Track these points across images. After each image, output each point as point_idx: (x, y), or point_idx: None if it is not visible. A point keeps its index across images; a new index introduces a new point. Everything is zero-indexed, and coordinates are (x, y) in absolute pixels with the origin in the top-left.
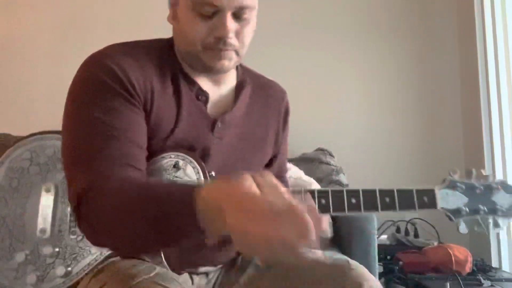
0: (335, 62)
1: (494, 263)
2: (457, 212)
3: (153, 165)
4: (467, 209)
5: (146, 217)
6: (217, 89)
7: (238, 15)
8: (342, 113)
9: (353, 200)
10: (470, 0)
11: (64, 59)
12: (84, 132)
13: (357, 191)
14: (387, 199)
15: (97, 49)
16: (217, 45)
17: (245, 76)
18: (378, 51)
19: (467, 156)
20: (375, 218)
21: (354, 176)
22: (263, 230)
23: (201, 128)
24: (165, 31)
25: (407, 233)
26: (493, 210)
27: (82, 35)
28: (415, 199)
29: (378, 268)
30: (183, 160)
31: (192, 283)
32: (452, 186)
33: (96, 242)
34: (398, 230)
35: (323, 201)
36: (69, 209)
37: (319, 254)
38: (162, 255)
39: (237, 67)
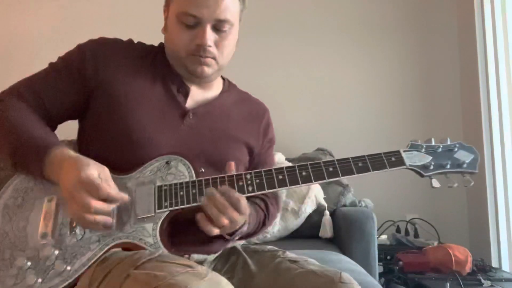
0: (335, 62)
1: (494, 263)
2: (424, 168)
3: (147, 168)
4: (433, 164)
5: (9, 139)
6: (203, 92)
7: (218, 28)
8: (342, 113)
9: (331, 169)
10: (470, 0)
11: None
12: (37, 73)
13: (332, 161)
14: (360, 164)
15: None
16: (197, 52)
17: (231, 88)
18: (378, 51)
19: None
20: (375, 218)
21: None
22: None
23: (170, 115)
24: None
25: (407, 233)
26: (458, 165)
27: (82, 35)
28: (385, 160)
29: (378, 268)
30: (174, 159)
31: None
32: (415, 147)
33: None
34: (398, 230)
35: (304, 173)
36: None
37: (313, 264)
38: (161, 243)
39: (224, 81)
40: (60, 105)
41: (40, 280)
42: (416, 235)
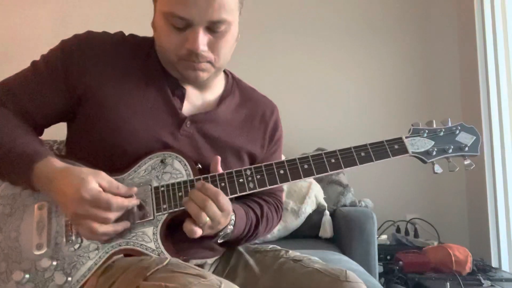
0: (335, 62)
1: (494, 263)
2: (427, 154)
3: (141, 167)
4: (436, 150)
5: None
6: (201, 93)
7: (212, 28)
8: (342, 113)
9: (333, 160)
10: (470, 0)
11: None
12: (17, 75)
13: (334, 152)
14: (363, 153)
15: None
16: (189, 57)
17: (234, 86)
18: (379, 51)
19: None
20: (375, 218)
21: (354, 175)
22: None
23: (166, 123)
24: None
25: (407, 233)
26: (459, 148)
27: None
28: (387, 148)
29: (378, 268)
30: (169, 156)
31: None
32: (417, 132)
33: None
34: (398, 230)
35: (305, 166)
36: (64, 219)
37: (317, 262)
38: (163, 248)
39: (228, 76)
40: (45, 110)
41: None
42: (416, 235)
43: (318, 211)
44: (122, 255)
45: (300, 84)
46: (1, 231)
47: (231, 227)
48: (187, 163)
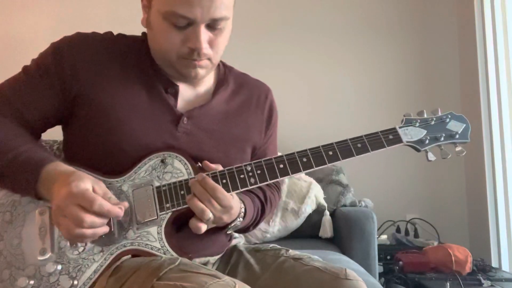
0: (334, 62)
1: (494, 263)
2: (420, 143)
3: (142, 168)
4: (428, 138)
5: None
6: (193, 88)
7: (212, 26)
8: (342, 113)
9: (330, 152)
10: (470, 0)
11: None
12: (9, 81)
13: (331, 144)
14: (359, 145)
15: None
16: (191, 55)
17: (227, 75)
18: (379, 51)
19: (467, 156)
20: (375, 218)
21: (354, 176)
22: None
23: (163, 122)
24: None
25: (407, 233)
26: (451, 136)
27: None
28: (382, 138)
29: (378, 268)
30: (169, 156)
31: None
32: (409, 122)
33: None
34: (398, 230)
35: (304, 159)
36: None
37: (317, 260)
38: (169, 247)
39: (218, 66)
40: (40, 115)
41: None
42: (416, 235)
43: (318, 211)
44: (129, 256)
45: (300, 82)
46: (2, 239)
47: (241, 219)
48: (187, 162)
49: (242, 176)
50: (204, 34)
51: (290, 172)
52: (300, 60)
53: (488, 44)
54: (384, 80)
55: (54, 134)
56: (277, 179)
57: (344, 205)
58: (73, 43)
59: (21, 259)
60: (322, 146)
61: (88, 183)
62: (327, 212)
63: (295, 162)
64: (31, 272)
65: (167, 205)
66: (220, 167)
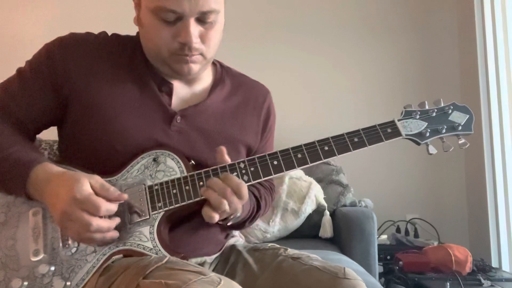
0: (334, 62)
1: (494, 263)
2: (420, 136)
3: (134, 167)
4: (429, 130)
5: None
6: (189, 86)
7: (202, 19)
8: (341, 113)
9: (326, 148)
10: (470, 0)
11: None
12: (3, 83)
13: (327, 139)
14: (356, 139)
15: None
16: (182, 50)
17: (224, 75)
18: (379, 51)
19: (467, 156)
20: (375, 218)
21: (354, 176)
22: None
23: (156, 120)
24: None
25: (407, 233)
26: (453, 128)
27: None
28: (380, 132)
29: (378, 268)
30: (161, 154)
31: None
32: (409, 114)
33: None
34: (398, 230)
35: (299, 155)
36: None
37: (316, 259)
38: (161, 247)
39: (216, 65)
40: (35, 116)
41: None
42: (416, 235)
43: (318, 211)
44: (121, 255)
45: (299, 84)
46: None
47: (239, 211)
48: (180, 160)
49: (235, 173)
50: (194, 28)
51: (284, 168)
52: (297, 59)
53: (488, 40)
54: (384, 79)
55: (54, 134)
56: (271, 176)
57: (344, 205)
58: (65, 44)
59: (15, 260)
60: (318, 141)
61: (86, 184)
62: (327, 212)
63: (289, 159)
64: (25, 273)
65: (159, 204)
66: (229, 160)
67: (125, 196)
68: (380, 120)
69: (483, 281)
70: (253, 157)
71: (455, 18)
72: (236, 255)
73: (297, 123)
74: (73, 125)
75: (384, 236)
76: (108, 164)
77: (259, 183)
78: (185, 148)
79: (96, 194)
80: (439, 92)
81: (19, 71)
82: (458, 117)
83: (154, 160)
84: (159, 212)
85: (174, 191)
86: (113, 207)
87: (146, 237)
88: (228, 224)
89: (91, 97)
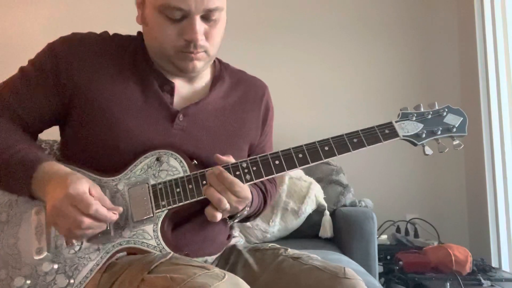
0: (333, 62)
1: (494, 263)
2: (417, 137)
3: (137, 166)
4: (425, 132)
5: None
6: (189, 84)
7: (207, 17)
8: (341, 114)
9: (326, 148)
10: (470, 0)
11: None
12: (6, 82)
13: (327, 140)
14: (355, 140)
15: None
16: (187, 48)
17: (223, 72)
18: (378, 51)
19: (467, 156)
20: (375, 218)
21: (354, 176)
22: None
23: (158, 119)
24: None
25: (407, 233)
26: (448, 129)
27: None
28: (378, 133)
29: (378, 268)
30: (164, 154)
31: None
32: (406, 116)
33: None
34: (398, 230)
35: (300, 155)
36: None
37: (316, 259)
38: (165, 245)
39: (214, 63)
40: (37, 115)
41: None
42: (416, 235)
43: (318, 211)
44: (125, 253)
45: (299, 84)
46: None
47: (248, 208)
48: (182, 160)
49: (237, 173)
50: (200, 26)
51: (286, 168)
52: (296, 59)
53: (488, 40)
54: (384, 79)
55: (54, 134)
56: (273, 176)
57: (344, 205)
58: (68, 43)
59: (17, 259)
60: (318, 141)
61: (85, 185)
62: (327, 212)
63: (290, 158)
64: (28, 272)
65: (163, 203)
66: (232, 159)
67: (120, 209)
68: (379, 121)
69: (483, 281)
70: (255, 156)
71: (455, 18)
72: (236, 255)
73: (295, 123)
74: (76, 124)
75: (384, 236)
76: (111, 163)
77: None
78: (189, 146)
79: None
80: (439, 92)
81: (22, 69)
82: (453, 119)
83: (157, 159)
84: (163, 211)
85: (178, 189)
86: (105, 211)
87: (150, 235)
88: (235, 221)
89: (94, 96)
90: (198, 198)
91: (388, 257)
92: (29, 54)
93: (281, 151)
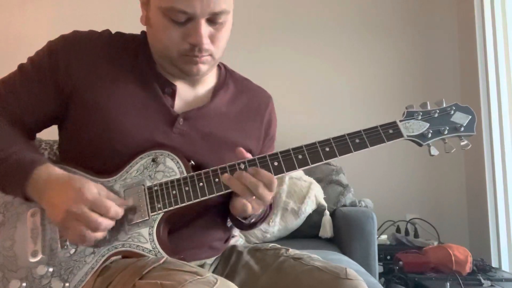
0: (333, 62)
1: (494, 263)
2: (422, 137)
3: (133, 167)
4: (431, 132)
5: None
6: (192, 88)
7: (212, 20)
8: (342, 114)
9: (327, 149)
10: (470, 0)
11: None
12: (4, 79)
13: (328, 140)
14: (357, 140)
15: None
16: (192, 51)
17: (228, 78)
18: (378, 51)
19: (467, 156)
20: (375, 218)
21: (354, 176)
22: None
23: (157, 122)
24: None
25: (407, 233)
26: (455, 128)
27: None
28: (382, 133)
29: (378, 268)
30: (161, 154)
31: None
32: (411, 115)
33: None
34: (398, 230)
35: (300, 156)
36: None
37: (317, 260)
38: (160, 249)
39: (220, 68)
40: (35, 114)
41: None
42: (416, 235)
43: (318, 211)
44: (120, 256)
45: (299, 84)
46: None
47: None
48: (179, 160)
49: None
50: (205, 29)
51: (284, 169)
52: (296, 60)
53: (488, 40)
54: (384, 79)
55: (54, 134)
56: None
57: (344, 205)
58: (68, 42)
59: (13, 261)
60: (319, 142)
61: (95, 188)
62: (327, 212)
63: (290, 159)
64: (23, 274)
65: (159, 205)
66: (249, 155)
67: (128, 202)
68: (380, 121)
69: (483, 281)
70: (253, 157)
71: (455, 18)
72: (236, 256)
73: (296, 123)
74: (73, 123)
75: (384, 236)
76: (107, 164)
77: None
78: (187, 150)
79: None
80: (439, 92)
81: (21, 67)
82: (461, 118)
83: (153, 160)
84: (159, 213)
85: (174, 192)
86: (121, 210)
87: (145, 239)
88: (250, 222)
89: (93, 96)
90: (195, 201)
91: (388, 257)
92: (31, 52)
93: (280, 152)
